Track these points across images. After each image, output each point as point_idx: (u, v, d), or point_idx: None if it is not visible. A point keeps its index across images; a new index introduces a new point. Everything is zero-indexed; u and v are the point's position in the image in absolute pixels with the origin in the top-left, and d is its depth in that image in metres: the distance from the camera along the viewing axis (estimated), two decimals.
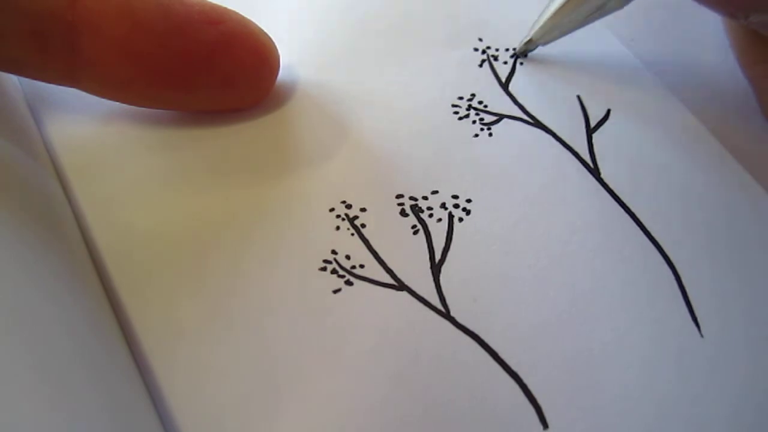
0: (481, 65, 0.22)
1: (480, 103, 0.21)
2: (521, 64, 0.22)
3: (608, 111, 0.21)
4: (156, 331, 0.17)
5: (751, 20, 0.19)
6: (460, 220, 0.19)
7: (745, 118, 0.22)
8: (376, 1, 0.23)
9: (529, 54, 0.22)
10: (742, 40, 0.22)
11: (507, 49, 0.22)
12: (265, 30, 0.19)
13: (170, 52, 0.18)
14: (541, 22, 0.21)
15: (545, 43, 0.22)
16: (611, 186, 0.20)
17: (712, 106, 0.22)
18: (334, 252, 0.18)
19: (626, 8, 0.20)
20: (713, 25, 0.23)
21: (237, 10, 0.19)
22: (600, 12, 0.20)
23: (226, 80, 0.19)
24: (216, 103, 0.20)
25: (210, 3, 0.19)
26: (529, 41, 0.22)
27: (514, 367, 0.17)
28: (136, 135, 0.20)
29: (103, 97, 0.19)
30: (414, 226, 0.19)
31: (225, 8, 0.19)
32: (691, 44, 0.23)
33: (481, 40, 0.23)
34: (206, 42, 0.18)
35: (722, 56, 0.23)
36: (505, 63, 0.22)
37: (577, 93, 0.22)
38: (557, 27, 0.21)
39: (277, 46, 0.20)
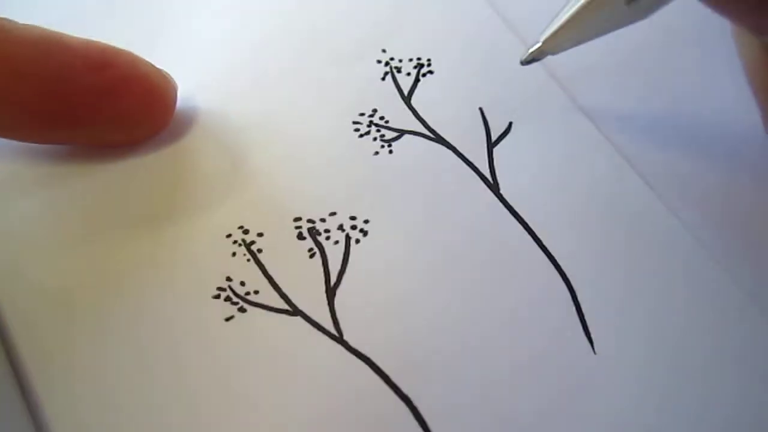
0: (383, 78, 0.22)
1: (381, 118, 0.21)
2: (424, 75, 0.22)
3: (510, 124, 0.21)
4: (50, 377, 0.17)
5: None
6: (357, 241, 0.19)
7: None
8: (281, 18, 0.23)
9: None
10: (757, 62, 0.20)
11: (410, 59, 0.22)
12: (169, 55, 0.19)
13: (52, 98, 0.17)
14: (552, 30, 0.19)
15: (555, 53, 0.20)
16: (509, 201, 0.20)
17: None
18: (228, 279, 0.18)
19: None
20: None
21: (140, 37, 0.18)
22: (617, 23, 0.18)
23: (117, 120, 0.19)
24: (108, 140, 0.19)
25: (97, 46, 0.18)
26: (539, 50, 0.20)
27: (405, 391, 0.17)
28: (25, 171, 0.19)
29: None
30: (311, 250, 0.19)
31: (114, 51, 0.18)
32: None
33: (384, 51, 0.22)
34: (90, 87, 0.18)
35: None
36: (408, 74, 0.22)
37: (480, 105, 0.21)
38: (571, 36, 0.19)
39: (180, 72, 0.19)
